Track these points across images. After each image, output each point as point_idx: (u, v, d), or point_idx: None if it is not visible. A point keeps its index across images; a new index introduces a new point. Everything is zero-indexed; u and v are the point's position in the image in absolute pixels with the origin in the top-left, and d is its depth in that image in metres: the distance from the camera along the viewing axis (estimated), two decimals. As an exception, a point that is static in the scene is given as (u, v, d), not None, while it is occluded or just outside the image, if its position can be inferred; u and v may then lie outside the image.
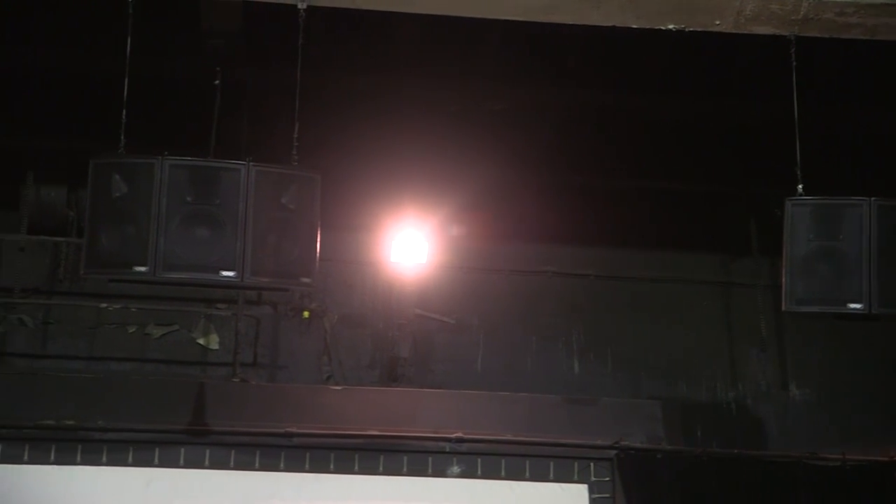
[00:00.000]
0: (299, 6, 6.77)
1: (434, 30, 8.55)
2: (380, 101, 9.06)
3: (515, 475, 8.26)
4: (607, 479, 8.32)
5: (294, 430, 8.09)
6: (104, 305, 8.65)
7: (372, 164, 9.03)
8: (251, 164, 6.47)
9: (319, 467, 8.11)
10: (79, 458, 7.90)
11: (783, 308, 6.62)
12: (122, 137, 6.61)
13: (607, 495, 8.29)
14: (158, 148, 6.51)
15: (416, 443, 8.22)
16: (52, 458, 7.88)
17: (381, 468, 8.17)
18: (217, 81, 7.98)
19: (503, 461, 8.27)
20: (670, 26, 6.76)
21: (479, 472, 8.25)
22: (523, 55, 8.92)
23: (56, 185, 8.88)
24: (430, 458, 8.23)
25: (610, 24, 6.79)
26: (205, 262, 6.38)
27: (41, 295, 8.74)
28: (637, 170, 9.44)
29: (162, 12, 7.45)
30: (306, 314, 8.91)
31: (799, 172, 6.69)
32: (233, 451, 8.04)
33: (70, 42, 8.68)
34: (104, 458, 7.92)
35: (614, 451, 8.35)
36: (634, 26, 6.78)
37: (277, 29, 7.39)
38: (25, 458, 7.85)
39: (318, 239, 6.55)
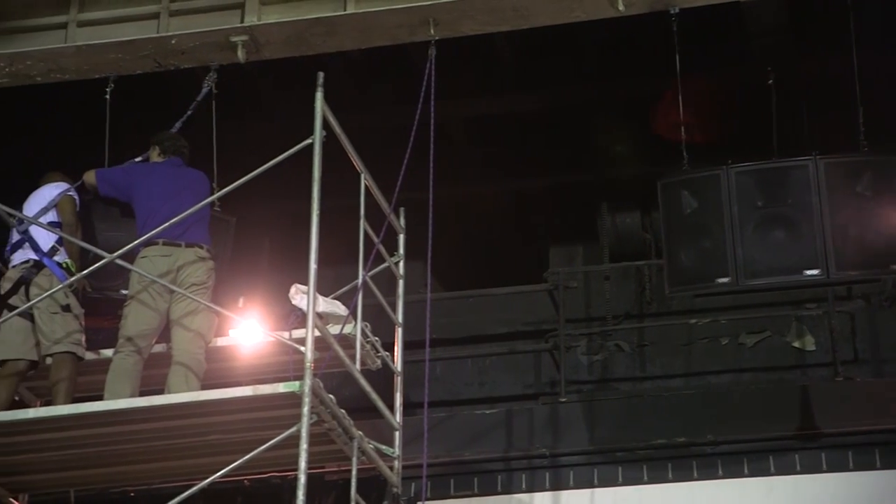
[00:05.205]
0: (841, -17, 6.56)
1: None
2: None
3: None
4: None
5: (913, 424, 7.70)
6: (694, 321, 8.74)
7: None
8: (818, 157, 6.38)
9: (946, 461, 7.66)
10: (695, 474, 8.00)
11: None
12: (685, 154, 6.72)
13: None
14: (721, 158, 6.56)
15: None
16: (670, 475, 8.03)
17: None
18: (770, 81, 7.88)
19: None
20: None
21: None
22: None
23: (629, 210, 9.19)
24: None
25: None
26: (786, 264, 6.38)
27: (632, 319, 9.00)
28: None
29: (704, 25, 7.47)
30: (904, 302, 8.49)
31: None
32: (850, 453, 7.79)
33: (622, 72, 8.97)
34: (720, 472, 7.97)
35: None
36: None
37: (825, 14, 7.19)
38: (645, 478, 8.07)
39: (905, 221, 6.26)
